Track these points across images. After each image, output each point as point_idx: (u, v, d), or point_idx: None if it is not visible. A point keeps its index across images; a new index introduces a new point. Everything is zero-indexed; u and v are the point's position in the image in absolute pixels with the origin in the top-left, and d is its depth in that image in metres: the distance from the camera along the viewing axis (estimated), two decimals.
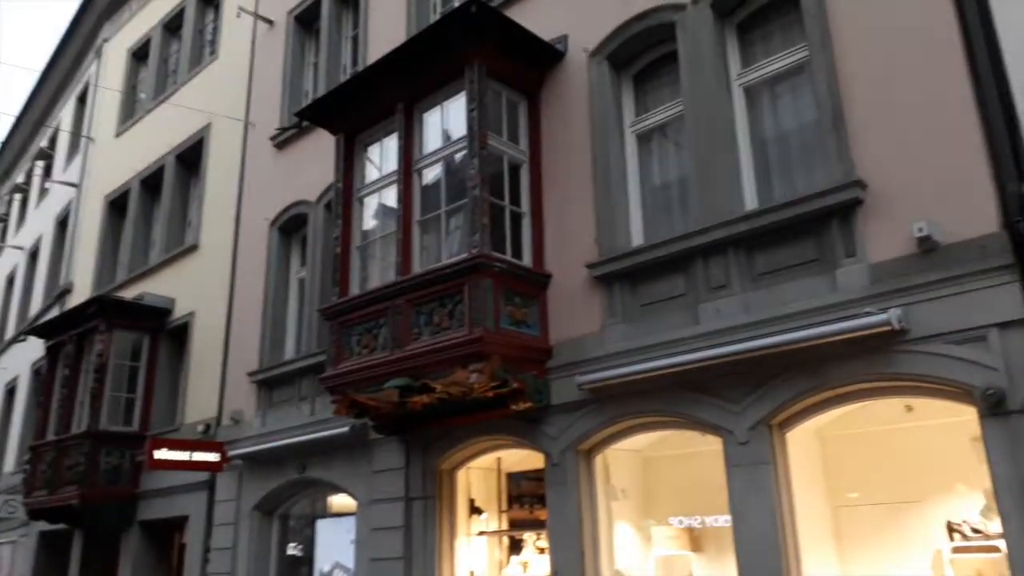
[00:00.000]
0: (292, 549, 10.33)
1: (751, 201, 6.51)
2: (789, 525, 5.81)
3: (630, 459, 7.60)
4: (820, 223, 5.85)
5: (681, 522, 7.46)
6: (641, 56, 7.70)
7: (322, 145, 10.39)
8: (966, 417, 5.17)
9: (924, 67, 5.53)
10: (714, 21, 6.92)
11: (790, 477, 5.96)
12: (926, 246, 5.24)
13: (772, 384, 5.89)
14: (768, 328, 5.86)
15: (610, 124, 7.54)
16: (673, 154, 7.42)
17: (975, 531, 6.03)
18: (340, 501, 9.79)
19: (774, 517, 5.75)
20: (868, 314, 5.33)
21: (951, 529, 6.19)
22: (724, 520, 6.03)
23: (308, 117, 9.51)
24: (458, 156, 7.89)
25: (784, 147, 6.66)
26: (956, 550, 6.13)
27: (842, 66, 5.96)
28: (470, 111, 7.55)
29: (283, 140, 11.85)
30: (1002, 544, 4.90)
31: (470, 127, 7.51)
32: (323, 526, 9.93)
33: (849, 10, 6.01)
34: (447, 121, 8.17)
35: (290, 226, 11.44)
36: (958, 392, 5.12)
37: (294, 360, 10.48)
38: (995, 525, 4.92)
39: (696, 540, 7.55)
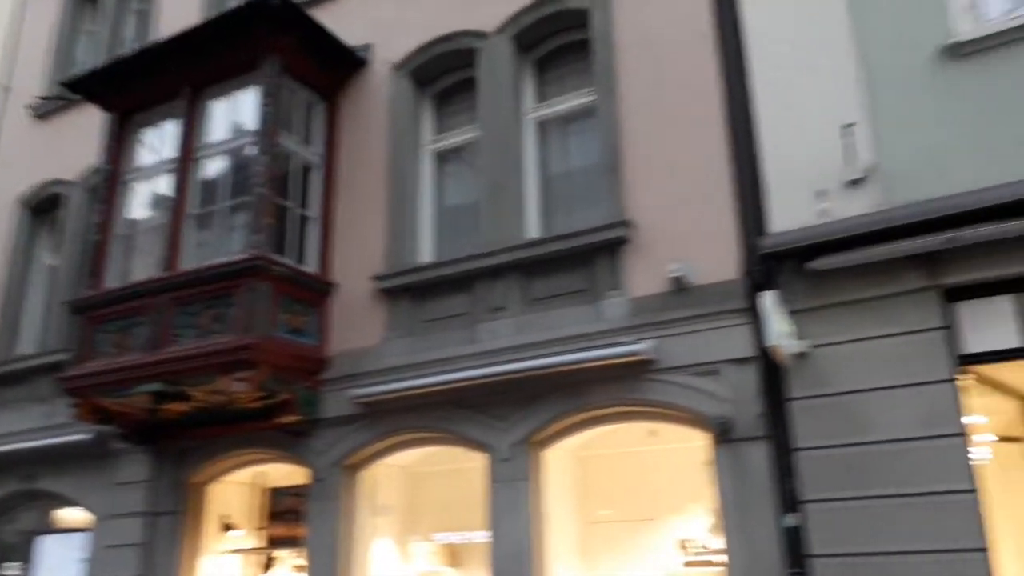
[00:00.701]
0: (7, 569, 9.08)
1: (534, 230, 6.80)
2: (542, 540, 6.06)
3: (396, 475, 7.57)
4: (591, 256, 6.25)
5: (443, 538, 7.52)
6: (443, 77, 7.82)
7: (89, 121, 9.45)
8: (701, 443, 5.72)
9: (692, 125, 6.12)
10: (514, 53, 7.21)
11: (546, 493, 6.24)
12: (679, 285, 5.77)
13: (537, 404, 6.15)
14: (537, 351, 6.13)
15: (408, 139, 7.57)
16: (468, 176, 7.59)
17: (703, 547, 6.67)
18: (68, 516, 8.77)
19: (528, 532, 5.97)
20: (624, 344, 5.75)
21: (683, 545, 6.81)
22: (484, 536, 6.17)
23: (78, 89, 8.58)
24: (245, 150, 7.50)
25: (568, 182, 7.05)
26: (687, 564, 6.74)
27: (624, 114, 6.45)
28: (264, 105, 7.24)
29: (46, 111, 10.61)
30: (724, 559, 5.45)
31: (263, 121, 7.19)
32: (47, 543, 8.83)
33: (634, 63, 6.52)
34: (236, 112, 7.75)
35: (43, 206, 10.23)
36: (695, 419, 5.65)
37: (33, 356, 9.31)
38: (719, 542, 5.46)
39: (456, 556, 7.65)
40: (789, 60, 5.78)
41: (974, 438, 5.58)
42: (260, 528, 8.20)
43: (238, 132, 7.65)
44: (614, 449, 6.88)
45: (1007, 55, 5.08)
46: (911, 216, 4.89)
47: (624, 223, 6.11)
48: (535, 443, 6.23)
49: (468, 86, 7.59)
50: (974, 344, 4.95)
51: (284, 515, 8.12)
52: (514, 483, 6.12)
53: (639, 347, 5.69)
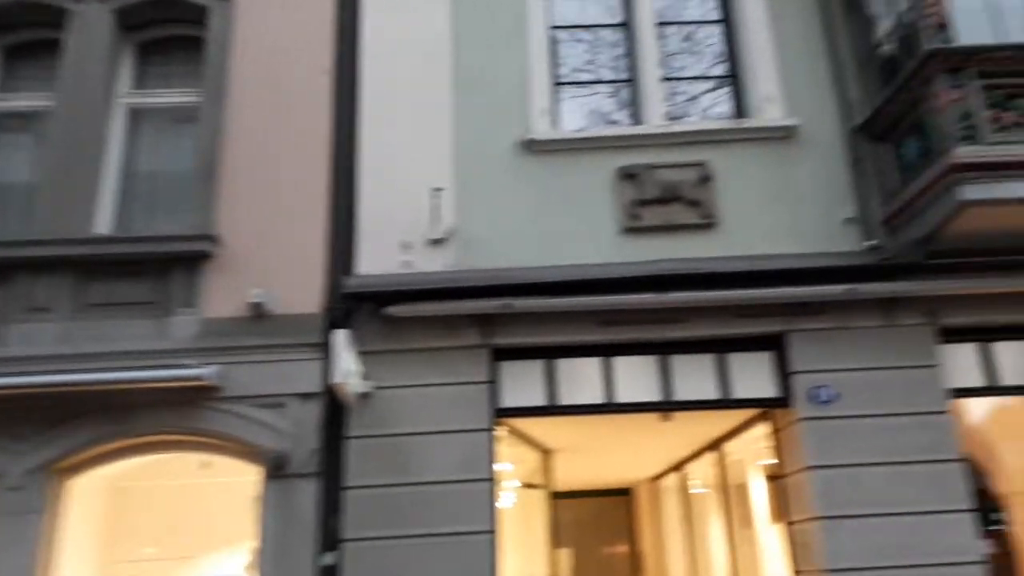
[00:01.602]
0: None
1: (104, 226, 6.03)
2: None
3: None
4: (167, 267, 5.73)
5: None
6: (20, 30, 6.63)
7: None
8: (253, 477, 5.50)
9: (298, 153, 6.04)
10: (113, 29, 6.42)
11: (65, 529, 5.41)
12: (257, 312, 5.57)
13: (71, 425, 5.36)
14: (82, 364, 5.37)
15: None
16: (31, 148, 6.45)
17: None
18: None
19: (33, 574, 5.09)
20: (188, 367, 5.33)
21: None
22: None
23: None
24: None
25: (156, 182, 6.41)
26: None
27: (229, 125, 6.12)
28: None
29: None
30: None
31: None
32: None
33: (249, 76, 6.25)
34: None
35: None
36: (252, 453, 5.43)
37: None
38: None
39: None
40: (397, 116, 6.08)
41: (503, 483, 6.29)
42: None
43: None
44: (161, 480, 6.28)
45: (571, 159, 5.98)
46: (475, 280, 5.42)
47: (210, 237, 5.74)
48: (60, 470, 5.39)
49: (52, 47, 6.53)
50: (510, 399, 5.60)
51: None
52: (23, 516, 5.20)
53: (203, 372, 5.32)
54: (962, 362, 5.63)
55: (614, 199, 5.84)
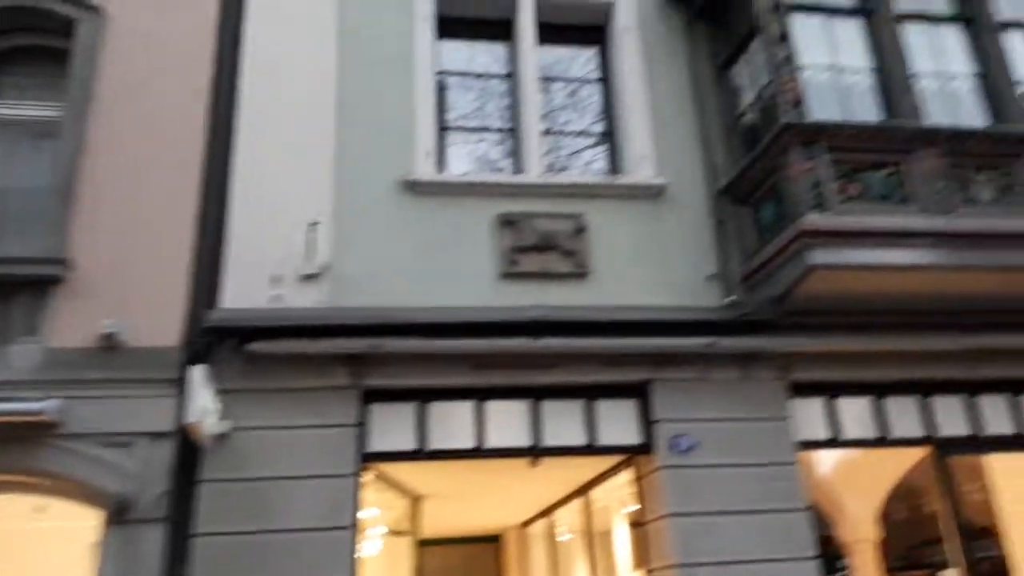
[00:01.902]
0: None
1: None
2: None
3: None
4: (10, 291, 5.30)
5: None
6: None
7: None
8: (94, 522, 5.08)
9: (166, 178, 5.77)
10: None
11: None
12: (109, 343, 5.22)
13: None
14: None
15: None
16: None
17: None
18: None
19: None
20: (25, 400, 4.91)
21: None
22: None
23: None
24: None
25: (5, 198, 5.95)
26: None
27: (92, 145, 5.79)
28: None
29: None
30: None
31: None
32: None
33: (117, 94, 5.95)
34: None
35: None
36: (93, 495, 5.03)
37: None
38: None
39: None
40: (276, 144, 5.93)
41: (368, 531, 6.11)
42: None
43: None
44: None
45: (453, 203, 6.00)
46: (346, 318, 5.31)
47: (61, 261, 5.36)
48: None
49: None
50: (378, 443, 5.47)
51: None
52: None
53: (41, 406, 4.90)
54: (810, 416, 5.98)
55: (493, 244, 5.90)
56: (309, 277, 5.56)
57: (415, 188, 5.95)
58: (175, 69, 6.09)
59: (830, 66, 6.06)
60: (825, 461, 7.77)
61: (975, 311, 5.86)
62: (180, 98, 6.01)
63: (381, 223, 5.85)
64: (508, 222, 5.93)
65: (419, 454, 5.55)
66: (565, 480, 7.51)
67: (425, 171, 6.01)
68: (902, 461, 7.43)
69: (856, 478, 8.09)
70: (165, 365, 5.24)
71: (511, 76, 6.80)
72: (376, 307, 5.50)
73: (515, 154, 6.52)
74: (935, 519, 6.14)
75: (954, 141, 5.72)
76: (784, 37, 5.83)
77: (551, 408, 5.73)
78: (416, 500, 7.59)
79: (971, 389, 6.18)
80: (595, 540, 7.81)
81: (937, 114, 5.96)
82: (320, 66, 6.20)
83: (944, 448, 6.07)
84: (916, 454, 6.49)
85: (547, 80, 6.86)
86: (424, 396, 5.59)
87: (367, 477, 5.49)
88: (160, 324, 5.36)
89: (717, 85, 6.63)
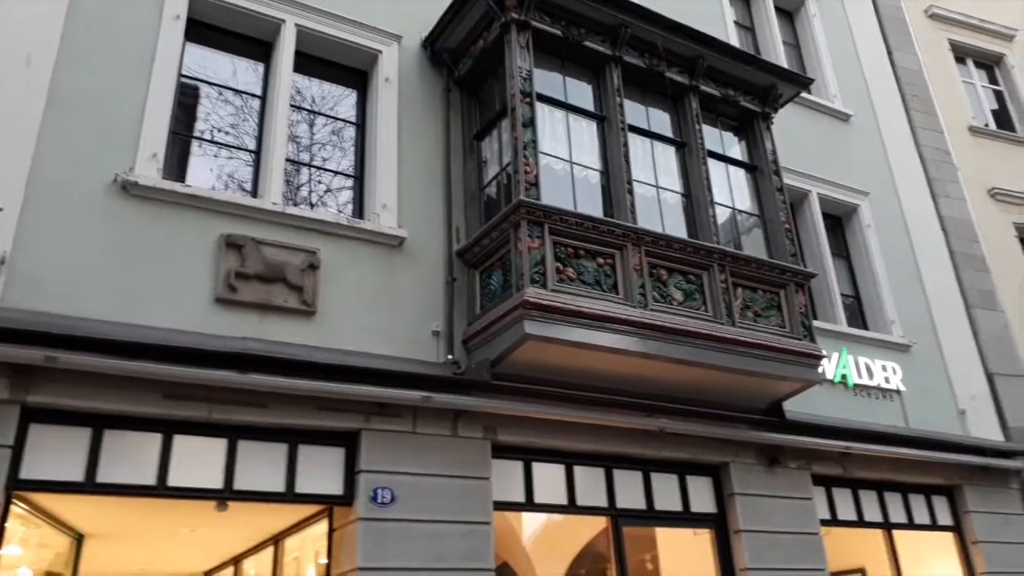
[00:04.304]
0: None
1: None
2: None
3: None
4: None
5: None
6: None
7: None
8: None
9: None
10: None
11: None
12: None
13: None
14: None
15: None
16: None
17: None
18: None
19: None
20: None
21: None
22: None
23: None
24: None
25: None
26: None
27: None
28: None
29: None
30: None
31: None
32: None
33: None
34: None
35: None
36: None
37: None
38: None
39: None
40: None
41: (7, 572, 5.26)
42: None
43: None
44: None
45: (174, 214, 5.51)
46: (15, 322, 4.58)
47: None
48: None
49: None
50: (35, 470, 4.75)
51: None
52: None
53: None
54: (509, 477, 6.23)
55: (213, 266, 5.52)
56: None
57: (132, 191, 5.40)
58: None
59: (567, 158, 6.59)
60: (528, 523, 8.10)
61: (659, 396, 6.55)
62: None
63: (83, 222, 5.21)
64: (233, 245, 5.59)
65: (85, 487, 4.89)
66: (258, 527, 7.07)
67: (147, 174, 5.48)
68: (589, 528, 7.98)
69: (549, 541, 8.51)
70: None
71: (262, 98, 6.54)
72: (58, 314, 4.84)
73: (255, 177, 6.23)
74: None
75: (658, 244, 6.45)
76: (529, 123, 6.25)
77: (249, 449, 5.38)
78: (79, 539, 6.67)
79: (648, 466, 6.85)
80: None
81: (648, 219, 6.68)
82: (40, 36, 5.47)
83: (621, 518, 6.62)
84: (599, 522, 6.99)
85: (309, 112, 6.71)
86: (102, 422, 4.97)
87: (14, 508, 4.72)
88: None
89: (468, 153, 6.91)
